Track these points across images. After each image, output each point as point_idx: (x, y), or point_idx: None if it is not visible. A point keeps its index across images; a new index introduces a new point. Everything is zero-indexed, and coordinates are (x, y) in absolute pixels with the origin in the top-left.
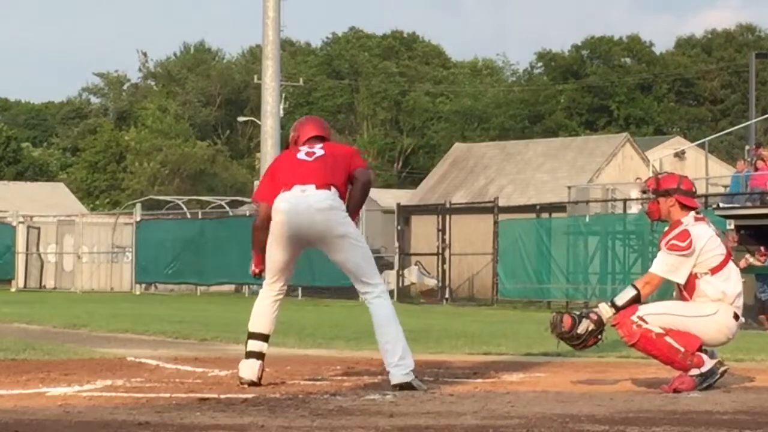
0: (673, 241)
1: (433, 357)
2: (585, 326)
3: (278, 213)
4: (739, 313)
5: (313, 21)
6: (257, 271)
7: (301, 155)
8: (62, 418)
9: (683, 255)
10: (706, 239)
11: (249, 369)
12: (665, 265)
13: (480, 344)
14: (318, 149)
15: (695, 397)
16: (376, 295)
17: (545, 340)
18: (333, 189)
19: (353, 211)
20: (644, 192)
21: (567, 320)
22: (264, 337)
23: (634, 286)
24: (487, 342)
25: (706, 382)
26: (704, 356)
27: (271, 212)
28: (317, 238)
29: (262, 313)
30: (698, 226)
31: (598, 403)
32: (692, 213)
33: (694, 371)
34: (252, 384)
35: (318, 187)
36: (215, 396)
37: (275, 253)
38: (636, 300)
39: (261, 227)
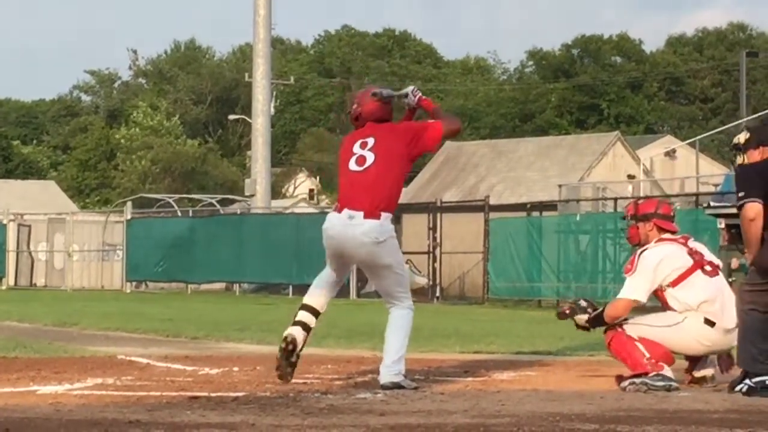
0: (627, 265)
1: (424, 356)
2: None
3: (326, 234)
4: (715, 318)
5: (304, 19)
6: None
7: (352, 165)
8: (53, 417)
9: (633, 276)
10: (659, 259)
11: (296, 332)
12: (625, 288)
13: (471, 343)
14: (369, 152)
15: (686, 396)
16: (400, 308)
17: (536, 338)
18: (382, 215)
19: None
20: (623, 218)
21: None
22: (311, 310)
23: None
24: (477, 341)
25: (659, 381)
26: (666, 366)
27: (323, 227)
28: (361, 263)
29: (315, 287)
30: (653, 249)
31: (589, 402)
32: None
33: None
34: (293, 346)
35: (366, 216)
36: (206, 394)
37: (330, 261)
38: (599, 316)
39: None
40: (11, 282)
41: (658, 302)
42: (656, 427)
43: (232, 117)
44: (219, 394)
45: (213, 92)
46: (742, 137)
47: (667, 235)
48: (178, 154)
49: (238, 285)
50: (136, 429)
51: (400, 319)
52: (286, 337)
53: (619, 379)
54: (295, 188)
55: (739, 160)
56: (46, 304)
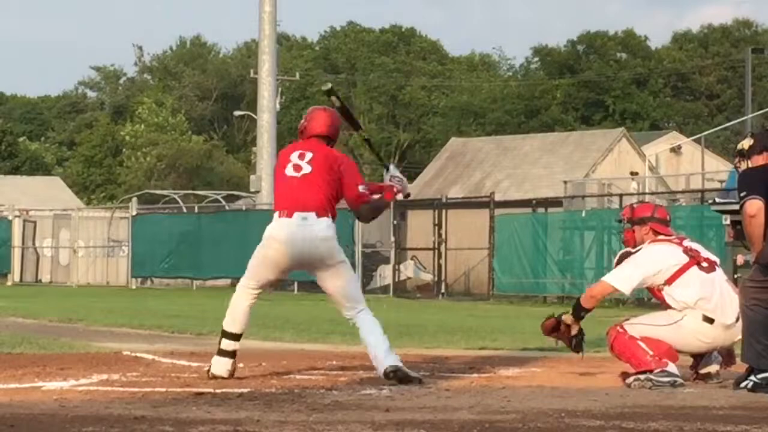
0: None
1: (429, 352)
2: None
3: (276, 242)
4: (713, 315)
5: (309, 15)
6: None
7: (289, 171)
8: (58, 413)
9: (621, 266)
10: (651, 254)
11: (222, 366)
12: (609, 274)
13: (476, 339)
14: (306, 164)
15: (691, 393)
16: (365, 312)
17: (541, 335)
18: (330, 216)
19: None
20: (619, 221)
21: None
22: (238, 337)
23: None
24: (483, 337)
25: (664, 377)
26: (670, 363)
27: (269, 239)
28: (316, 264)
29: (239, 314)
30: (647, 247)
31: (594, 398)
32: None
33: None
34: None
35: (319, 215)
36: (211, 391)
37: (266, 272)
38: (576, 306)
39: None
40: (16, 278)
41: (658, 301)
42: (661, 424)
43: (237, 113)
44: (224, 390)
45: (218, 88)
46: (746, 143)
47: (662, 237)
48: (183, 151)
49: None
50: (142, 425)
51: (370, 321)
52: (213, 374)
53: (624, 376)
54: None
55: (743, 165)
56: (51, 300)
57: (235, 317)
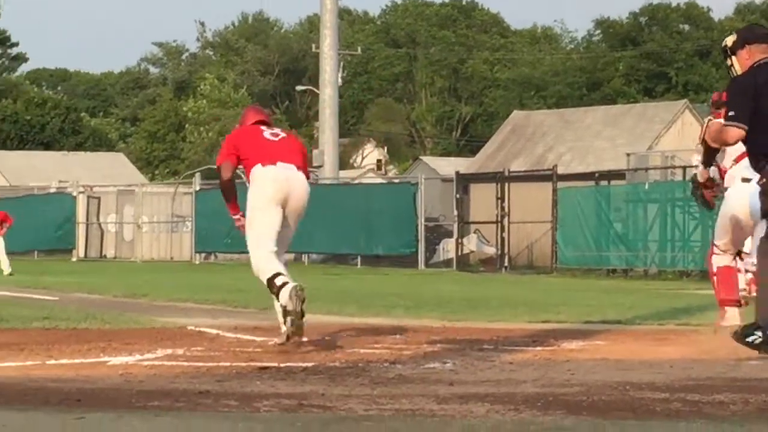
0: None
1: (493, 325)
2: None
3: (277, 182)
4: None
5: None
6: (238, 217)
7: (266, 135)
8: (123, 387)
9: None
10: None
11: (288, 292)
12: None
13: (539, 312)
14: (279, 131)
15: (756, 365)
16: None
17: (605, 307)
18: (304, 174)
19: None
20: (714, 104)
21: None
22: (280, 273)
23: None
24: (546, 310)
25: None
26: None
27: (261, 180)
28: (297, 208)
29: (272, 257)
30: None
31: (658, 371)
32: None
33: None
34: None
35: (298, 169)
36: (275, 365)
37: (273, 215)
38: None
39: (229, 183)
40: (81, 254)
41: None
42: (726, 396)
43: (299, 88)
44: (288, 364)
45: (280, 63)
46: (729, 40)
47: None
48: None
49: (306, 255)
50: (207, 399)
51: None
52: (298, 291)
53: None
54: (362, 159)
55: (729, 63)
56: (115, 275)
57: (269, 265)
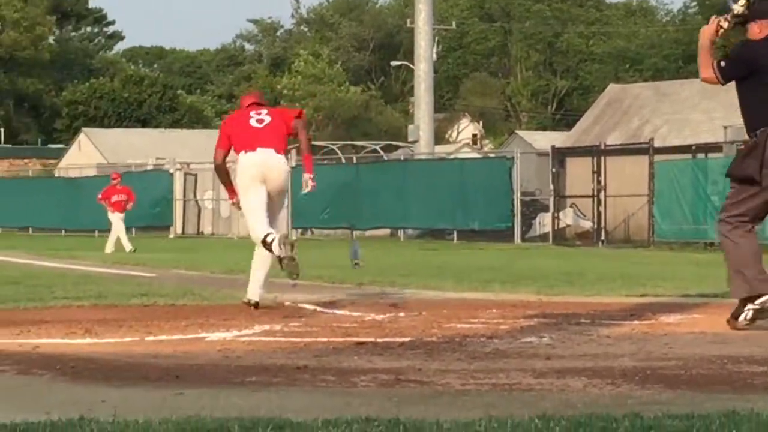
0: None
1: (590, 299)
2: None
3: (255, 166)
4: None
5: None
6: (235, 200)
7: (252, 122)
8: (222, 363)
9: None
10: None
11: (279, 246)
12: None
13: (636, 286)
14: (265, 116)
15: None
16: (274, 238)
17: (703, 281)
18: (283, 154)
19: (308, 152)
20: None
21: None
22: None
23: None
24: (643, 284)
25: None
26: None
27: (242, 166)
28: (277, 187)
29: (264, 226)
30: None
31: (758, 344)
32: None
33: None
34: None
35: (277, 152)
36: (372, 340)
37: (257, 193)
38: None
39: (222, 167)
40: (179, 230)
41: None
42: None
43: (394, 63)
44: (385, 339)
45: (375, 39)
46: (739, 8)
47: None
48: (341, 102)
49: (402, 231)
50: (304, 374)
51: (266, 255)
52: (283, 239)
53: None
54: (458, 133)
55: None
56: (213, 251)
57: (261, 228)
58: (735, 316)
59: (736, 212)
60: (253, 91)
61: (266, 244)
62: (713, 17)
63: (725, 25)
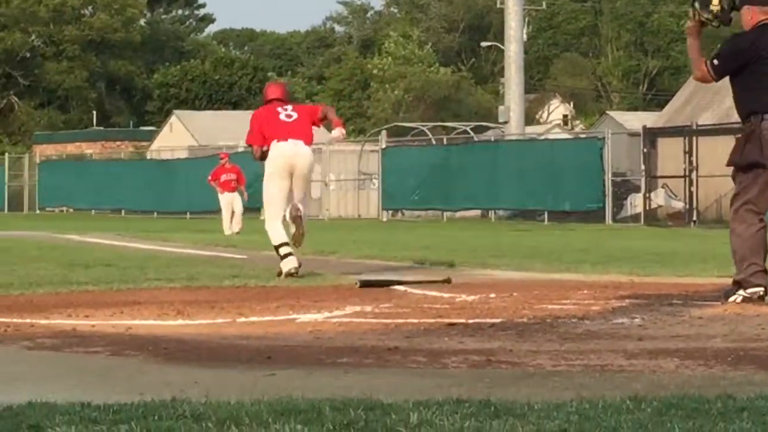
0: None
1: (682, 280)
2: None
3: (284, 156)
4: None
5: None
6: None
7: (282, 117)
8: (313, 345)
9: None
10: None
11: (292, 261)
12: None
13: (729, 267)
14: (291, 111)
15: None
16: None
17: None
18: (310, 146)
19: (338, 120)
20: None
21: None
22: (288, 243)
23: None
24: None
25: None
26: None
27: (273, 154)
28: (302, 173)
29: (280, 229)
30: None
31: None
32: None
33: None
34: (296, 271)
35: (305, 144)
36: (463, 321)
37: (280, 182)
38: None
39: (262, 158)
40: None
41: None
42: None
43: (484, 44)
44: (476, 320)
45: (465, 20)
46: (714, 6)
47: None
48: (431, 83)
49: (493, 212)
50: (395, 356)
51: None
52: (290, 270)
53: None
54: (548, 114)
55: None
56: None
57: (276, 232)
58: (726, 296)
59: (747, 197)
60: (278, 81)
61: (278, 252)
62: (690, 11)
63: (704, 17)
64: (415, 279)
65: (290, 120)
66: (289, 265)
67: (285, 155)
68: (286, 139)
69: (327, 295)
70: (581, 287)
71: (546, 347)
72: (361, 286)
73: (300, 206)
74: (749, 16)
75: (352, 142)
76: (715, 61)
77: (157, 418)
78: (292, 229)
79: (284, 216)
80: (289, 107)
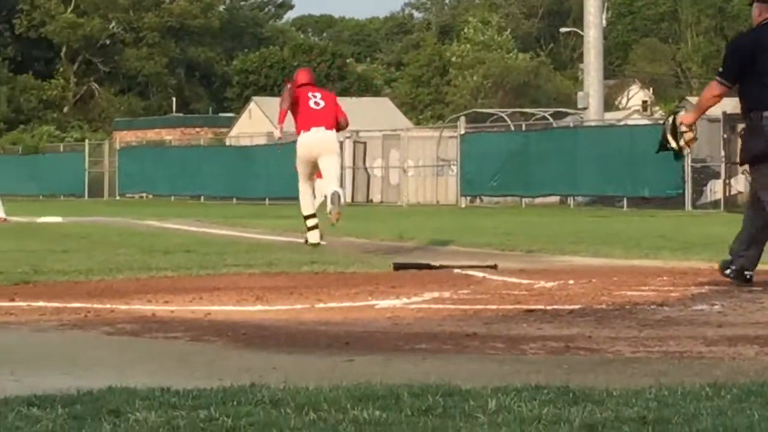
0: None
1: (762, 267)
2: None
3: (306, 146)
4: None
5: None
6: (281, 125)
7: (311, 104)
8: (391, 330)
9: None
10: None
11: (316, 235)
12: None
13: None
14: (320, 100)
15: None
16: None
17: None
18: (333, 129)
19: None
20: None
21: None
22: (314, 214)
23: None
24: None
25: None
26: None
27: (298, 143)
28: (327, 152)
29: (309, 200)
30: None
31: None
32: None
33: None
34: (318, 245)
35: (327, 129)
36: (541, 307)
37: (304, 167)
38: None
39: (286, 99)
40: (348, 198)
41: None
42: None
43: (563, 30)
44: (555, 306)
45: (544, 5)
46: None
47: None
48: (509, 69)
49: (572, 198)
50: (474, 342)
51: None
52: (314, 243)
53: None
54: (628, 100)
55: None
56: (382, 219)
57: (305, 203)
58: (723, 267)
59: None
60: (306, 67)
61: (305, 222)
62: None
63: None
64: (460, 263)
65: (318, 108)
66: (314, 237)
67: (306, 145)
68: (309, 128)
69: (405, 281)
70: (660, 274)
71: (625, 334)
72: (395, 269)
73: (339, 191)
74: (757, 12)
75: (431, 128)
76: (720, 70)
77: (236, 403)
78: (329, 208)
79: (313, 189)
80: (318, 94)
